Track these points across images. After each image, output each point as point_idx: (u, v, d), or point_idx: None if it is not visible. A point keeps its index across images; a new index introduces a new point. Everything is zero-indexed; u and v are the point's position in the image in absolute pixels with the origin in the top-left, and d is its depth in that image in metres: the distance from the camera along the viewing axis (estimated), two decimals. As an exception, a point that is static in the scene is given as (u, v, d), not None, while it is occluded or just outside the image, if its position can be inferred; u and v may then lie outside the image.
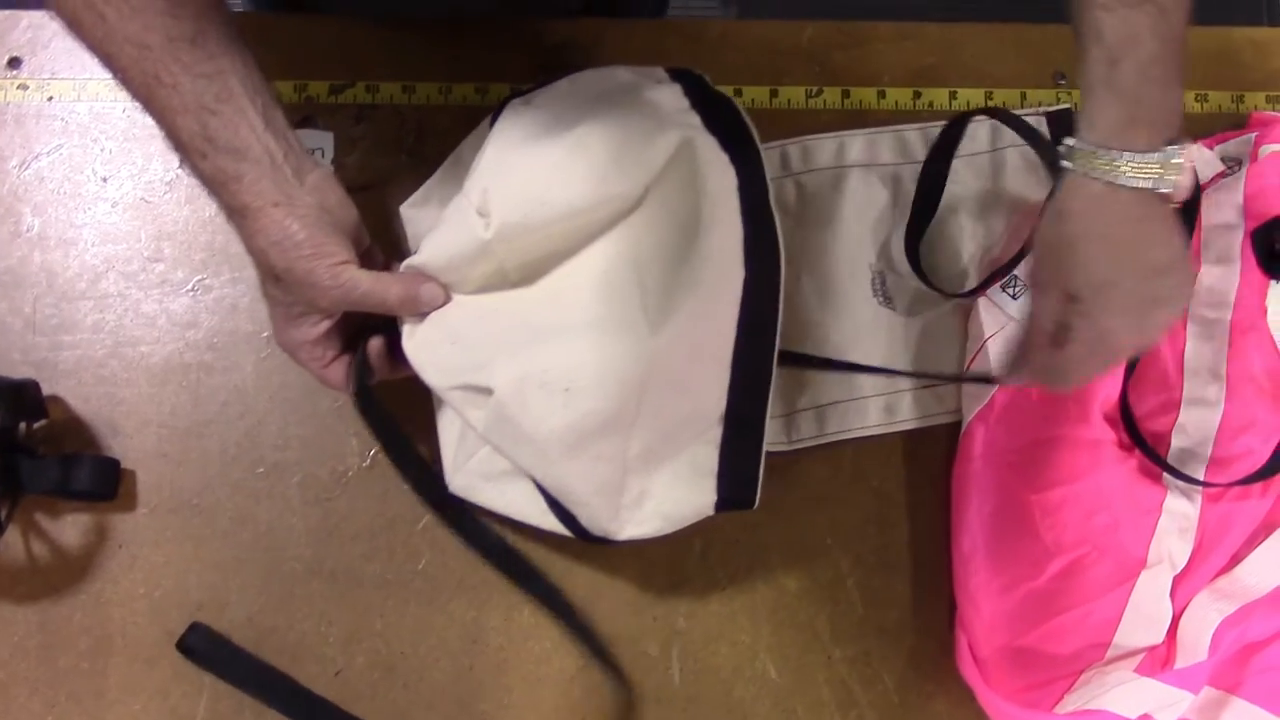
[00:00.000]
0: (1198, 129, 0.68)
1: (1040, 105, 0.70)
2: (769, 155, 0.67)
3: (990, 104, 0.70)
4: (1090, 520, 0.58)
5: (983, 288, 0.63)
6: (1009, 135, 0.67)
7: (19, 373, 0.62)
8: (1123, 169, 0.47)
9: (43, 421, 0.61)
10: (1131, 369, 0.61)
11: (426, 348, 0.54)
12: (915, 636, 0.60)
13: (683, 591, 0.61)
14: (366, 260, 0.55)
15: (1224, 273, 0.62)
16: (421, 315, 0.54)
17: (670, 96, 0.55)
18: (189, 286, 0.65)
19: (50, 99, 0.67)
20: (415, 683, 0.59)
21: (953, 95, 0.70)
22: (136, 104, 0.48)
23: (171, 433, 0.62)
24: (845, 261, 0.65)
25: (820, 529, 0.62)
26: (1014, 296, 0.62)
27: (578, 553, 0.55)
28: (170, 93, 0.47)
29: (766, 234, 0.51)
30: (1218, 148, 0.66)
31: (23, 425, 0.60)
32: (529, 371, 0.51)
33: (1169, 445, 0.60)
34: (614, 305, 0.51)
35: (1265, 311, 0.61)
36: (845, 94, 0.70)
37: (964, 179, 0.67)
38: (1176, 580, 0.58)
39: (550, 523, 0.54)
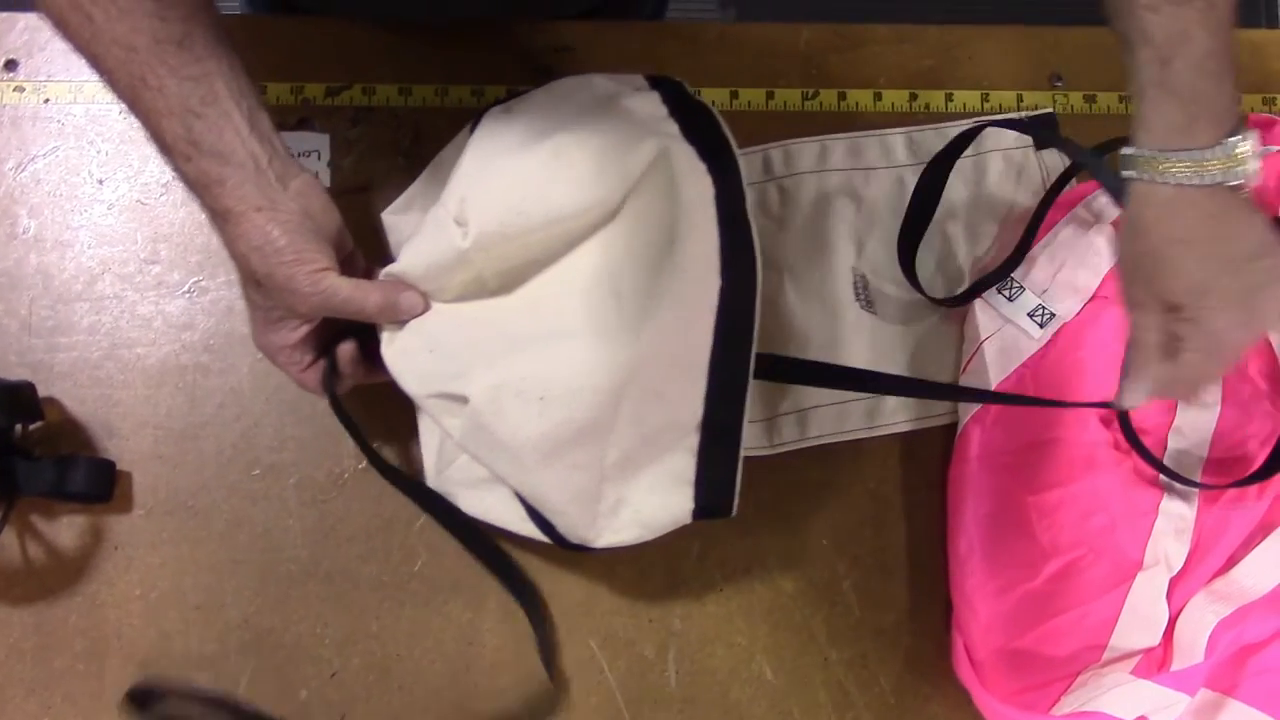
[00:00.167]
0: (1194, 131, 0.68)
1: (1037, 108, 0.70)
2: (751, 159, 0.67)
3: (987, 107, 0.70)
4: (1086, 522, 0.58)
5: (973, 292, 0.63)
6: (992, 140, 0.68)
7: (15, 374, 0.62)
8: (1189, 169, 0.46)
9: (38, 423, 0.61)
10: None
11: (405, 355, 0.54)
12: (912, 638, 0.60)
13: (679, 593, 0.61)
14: (349, 265, 0.55)
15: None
16: (401, 323, 0.54)
17: (648, 104, 0.55)
18: (185, 288, 0.65)
19: (46, 101, 0.67)
20: (411, 684, 0.59)
21: (949, 98, 0.70)
22: (122, 105, 0.48)
23: (167, 434, 0.62)
24: (827, 266, 0.65)
25: (817, 531, 0.62)
26: (1010, 299, 0.62)
27: (573, 555, 0.55)
28: (156, 95, 0.47)
29: (743, 243, 0.51)
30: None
31: (18, 427, 0.60)
32: (504, 380, 0.51)
33: (1165, 447, 0.60)
34: (590, 314, 0.51)
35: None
36: (841, 96, 0.70)
37: (948, 182, 0.67)
38: (1173, 582, 0.58)
39: (529, 529, 0.55)
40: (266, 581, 0.60)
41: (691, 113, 0.55)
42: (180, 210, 0.65)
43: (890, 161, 0.68)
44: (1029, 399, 0.59)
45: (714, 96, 0.69)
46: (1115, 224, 0.63)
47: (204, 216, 0.50)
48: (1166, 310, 0.49)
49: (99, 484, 0.59)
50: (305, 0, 0.72)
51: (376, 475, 0.61)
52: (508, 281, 0.54)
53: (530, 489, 0.52)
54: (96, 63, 0.48)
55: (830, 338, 0.64)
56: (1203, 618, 0.56)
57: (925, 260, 0.66)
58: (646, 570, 0.61)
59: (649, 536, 0.53)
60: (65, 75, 0.68)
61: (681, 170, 0.51)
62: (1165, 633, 0.57)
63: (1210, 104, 0.47)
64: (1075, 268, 0.62)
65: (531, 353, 0.51)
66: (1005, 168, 0.67)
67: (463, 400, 0.51)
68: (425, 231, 0.54)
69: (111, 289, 0.64)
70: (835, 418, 0.63)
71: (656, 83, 0.57)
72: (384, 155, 0.67)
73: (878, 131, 0.68)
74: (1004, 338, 0.61)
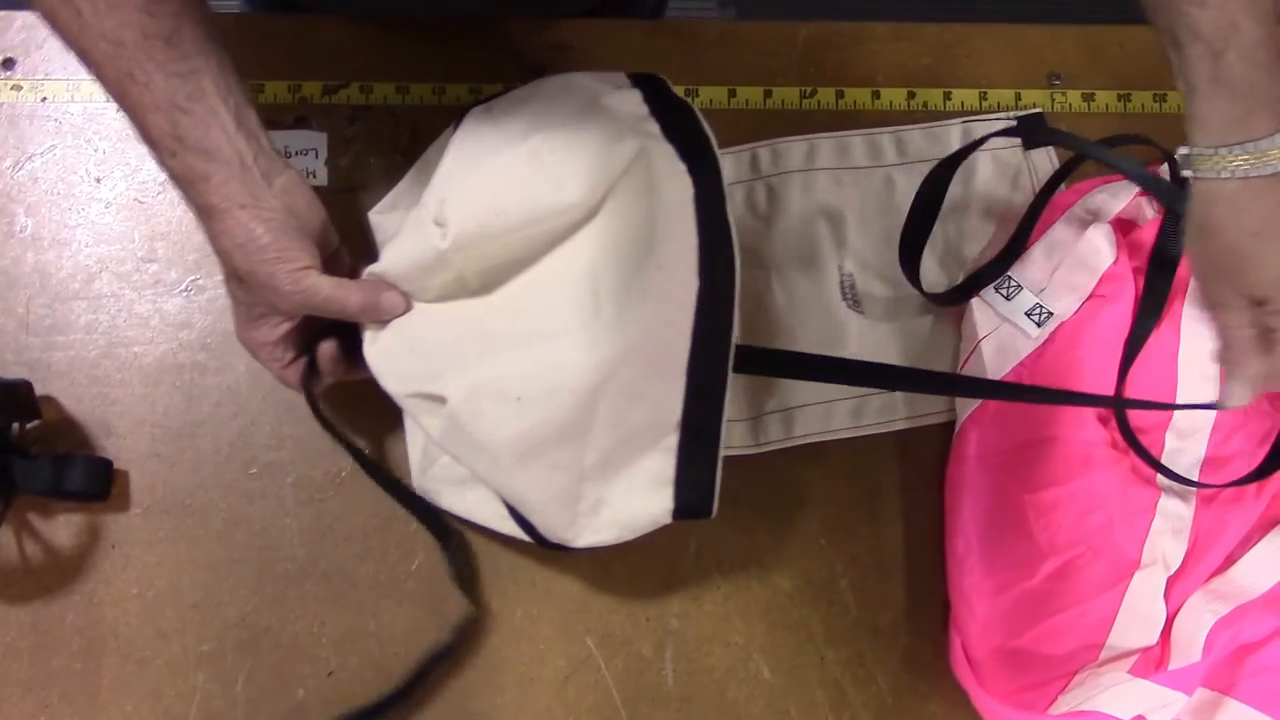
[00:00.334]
0: (1192, 130, 0.68)
1: (1035, 106, 0.70)
2: (739, 158, 0.67)
3: (985, 105, 0.70)
4: (1084, 521, 0.58)
5: (962, 291, 0.63)
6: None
7: (12, 373, 0.62)
8: (1250, 161, 0.46)
9: (36, 422, 0.61)
10: (1125, 370, 0.61)
11: (386, 355, 0.54)
12: (909, 638, 0.60)
13: (676, 592, 0.61)
14: (334, 262, 0.55)
15: (1219, 273, 0.62)
16: (383, 322, 0.54)
17: (629, 104, 0.55)
18: (182, 287, 0.65)
19: (44, 100, 0.67)
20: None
21: (947, 96, 0.70)
22: (109, 99, 0.48)
23: (165, 433, 0.62)
24: (813, 265, 0.65)
25: (814, 530, 0.62)
26: (1008, 298, 0.62)
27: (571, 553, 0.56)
28: (143, 90, 0.48)
29: (721, 244, 0.51)
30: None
31: (16, 426, 0.60)
32: (482, 381, 0.51)
33: (1163, 446, 0.60)
34: (567, 315, 0.51)
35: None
36: (840, 95, 0.70)
37: None
38: (1170, 581, 0.58)
39: (511, 528, 0.55)
40: (264, 580, 0.60)
41: (673, 112, 0.55)
42: (178, 209, 0.65)
43: (878, 161, 0.68)
44: (1024, 388, 0.59)
45: (712, 95, 0.69)
46: (1113, 222, 0.63)
47: (200, 214, 0.50)
48: (1254, 305, 0.49)
49: (96, 483, 0.59)
50: (303, -2, 0.73)
51: (374, 474, 0.61)
52: (488, 281, 0.54)
53: (508, 489, 0.52)
54: (85, 57, 0.48)
55: (817, 337, 0.64)
56: (1200, 617, 0.56)
57: (925, 261, 0.65)
58: (644, 569, 0.61)
59: (629, 536, 0.53)
60: (63, 74, 0.68)
61: (661, 171, 0.51)
62: (1163, 632, 0.57)
63: (1264, 94, 0.46)
64: (1073, 266, 0.62)
65: (509, 353, 0.51)
66: (993, 167, 0.68)
67: (441, 400, 0.51)
68: (406, 232, 0.54)
69: (109, 287, 0.64)
70: (821, 417, 0.62)
71: (639, 81, 0.57)
72: (381, 154, 0.67)
73: (865, 131, 0.68)
74: (1001, 336, 0.61)
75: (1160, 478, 0.60)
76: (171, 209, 0.66)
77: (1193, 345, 0.61)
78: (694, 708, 0.59)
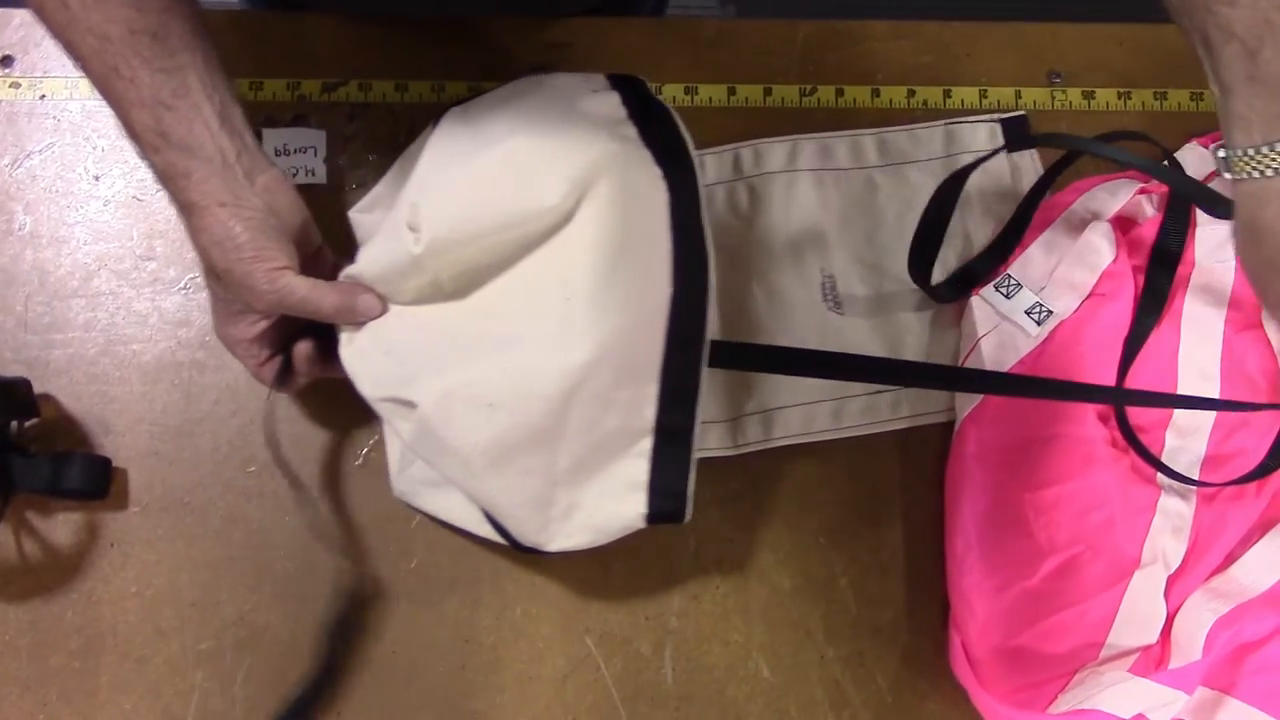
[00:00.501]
0: (1193, 127, 0.68)
1: (1036, 105, 0.70)
2: (722, 158, 0.67)
3: (985, 103, 0.70)
4: (1084, 519, 0.58)
5: (957, 286, 0.63)
6: (962, 141, 0.68)
7: (10, 371, 0.61)
8: None
9: (34, 420, 0.61)
10: (1125, 368, 0.61)
11: (361, 357, 0.54)
12: (909, 636, 0.60)
13: (675, 591, 0.61)
14: (315, 260, 0.55)
15: (1219, 271, 0.62)
16: (359, 324, 0.54)
17: (607, 106, 0.55)
18: (181, 284, 0.65)
19: (42, 97, 0.67)
20: (407, 682, 0.59)
21: (947, 94, 0.70)
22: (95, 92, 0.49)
23: (163, 431, 0.62)
24: (794, 266, 0.65)
25: (814, 528, 0.62)
26: (1007, 296, 0.62)
27: (571, 552, 0.55)
28: (128, 85, 0.48)
29: (696, 249, 0.50)
30: (1213, 146, 0.65)
31: (14, 424, 0.60)
32: (453, 386, 0.50)
33: (1163, 444, 0.60)
34: (540, 321, 0.51)
35: (1260, 310, 0.61)
36: (839, 93, 0.70)
37: (917, 184, 0.67)
38: (1171, 580, 0.58)
39: (488, 531, 0.55)
40: (262, 579, 0.60)
41: (651, 115, 0.54)
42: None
43: (860, 162, 0.68)
44: (1016, 378, 0.59)
45: (712, 93, 0.69)
46: (1112, 221, 0.62)
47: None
48: None
49: (95, 481, 0.59)
50: (302, -4, 0.72)
51: (373, 472, 0.61)
52: (463, 285, 0.53)
53: (480, 494, 0.52)
54: (71, 50, 0.48)
55: (798, 338, 0.63)
56: (1200, 615, 0.56)
57: (898, 259, 0.65)
58: (643, 568, 0.61)
59: (603, 541, 0.53)
60: (61, 71, 0.68)
61: (636, 175, 0.51)
62: (1163, 630, 0.57)
63: None
64: (1072, 265, 0.61)
65: (482, 359, 0.51)
66: (977, 169, 0.67)
67: (413, 405, 0.51)
68: (381, 235, 0.54)
69: (107, 285, 0.64)
70: (801, 419, 0.62)
71: (618, 83, 0.57)
72: (380, 152, 0.67)
73: (847, 132, 0.68)
74: (1001, 335, 0.61)
75: (1160, 476, 0.60)
76: (170, 207, 0.64)
77: (1193, 343, 0.61)
78: (693, 706, 0.59)
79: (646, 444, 0.51)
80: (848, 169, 0.68)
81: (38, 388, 0.61)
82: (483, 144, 0.53)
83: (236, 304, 0.53)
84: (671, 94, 0.69)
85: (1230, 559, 0.59)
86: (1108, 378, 0.60)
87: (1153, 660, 0.56)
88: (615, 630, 0.60)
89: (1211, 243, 0.62)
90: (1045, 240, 0.63)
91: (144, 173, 0.65)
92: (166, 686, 0.58)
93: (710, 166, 0.67)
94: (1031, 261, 0.63)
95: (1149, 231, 0.63)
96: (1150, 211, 0.64)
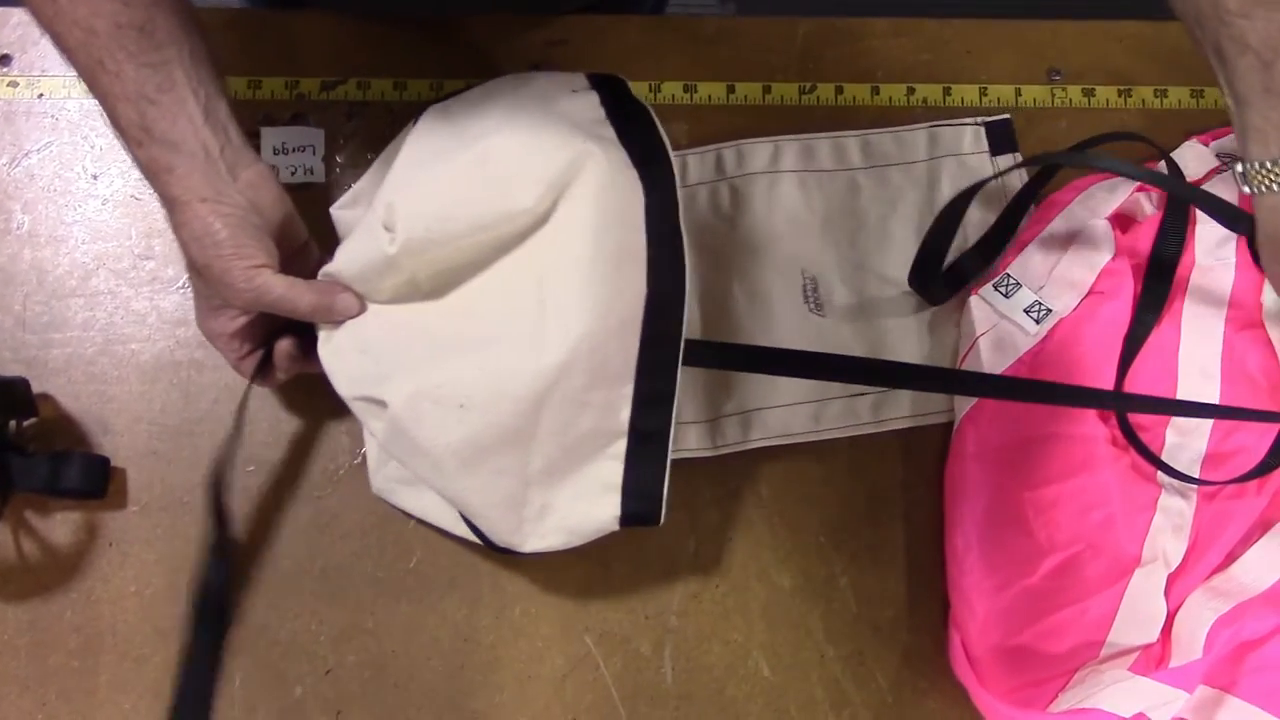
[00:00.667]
0: (1193, 125, 0.68)
1: (1036, 102, 0.70)
2: (705, 158, 0.67)
3: (985, 101, 0.70)
4: (1084, 518, 0.58)
5: (942, 293, 0.63)
6: (946, 144, 0.68)
7: (9, 370, 0.61)
8: None
9: (33, 419, 0.61)
10: (1125, 366, 0.60)
11: (338, 355, 0.54)
12: (909, 635, 0.60)
13: (675, 590, 0.60)
14: (301, 256, 0.55)
15: (1219, 269, 0.62)
16: (337, 322, 0.54)
17: (585, 107, 0.54)
18: (179, 284, 0.64)
19: (40, 96, 0.67)
20: (406, 681, 0.59)
21: (947, 91, 0.70)
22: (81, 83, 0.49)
23: (162, 430, 0.62)
24: (776, 267, 0.65)
25: (814, 527, 0.62)
26: (1006, 295, 0.61)
27: (570, 550, 0.55)
28: (113, 79, 0.48)
29: (672, 251, 0.50)
30: (1213, 144, 0.66)
31: (12, 423, 0.60)
32: (425, 386, 0.50)
33: (1163, 442, 0.60)
34: (514, 322, 0.51)
35: (1261, 309, 0.61)
36: (839, 90, 0.69)
37: (900, 186, 0.67)
38: (1171, 578, 0.58)
39: (464, 530, 0.55)
40: (260, 578, 0.60)
41: (630, 115, 0.54)
42: (175, 205, 0.65)
43: (843, 164, 0.68)
44: (998, 379, 0.59)
45: (711, 91, 0.69)
46: (1111, 218, 0.62)
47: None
48: None
49: (93, 480, 0.59)
50: (301, -6, 0.72)
51: (371, 471, 0.61)
52: (441, 284, 0.53)
53: (452, 494, 0.52)
54: (58, 42, 0.48)
55: (778, 340, 0.63)
56: (1201, 614, 0.56)
57: (880, 261, 0.65)
58: (643, 566, 0.60)
59: (577, 542, 0.53)
60: (59, 70, 0.68)
61: (613, 176, 0.51)
62: (1163, 629, 0.57)
63: None
64: (1071, 263, 0.61)
65: (455, 359, 0.51)
66: (959, 171, 0.67)
67: (383, 404, 0.51)
68: (357, 233, 0.54)
69: (106, 284, 0.64)
70: (780, 420, 0.62)
71: (598, 83, 0.56)
72: (379, 150, 0.66)
73: (831, 134, 0.68)
74: (999, 333, 0.61)
75: (1161, 474, 0.60)
76: (168, 206, 0.65)
77: (1193, 342, 0.61)
78: (693, 706, 0.59)
79: (621, 446, 0.51)
80: (831, 170, 0.67)
81: (36, 387, 0.61)
82: (460, 143, 0.52)
83: (216, 299, 0.53)
84: (670, 92, 0.69)
85: (1231, 557, 0.59)
86: (1107, 376, 0.60)
87: (1153, 659, 0.56)
88: (615, 629, 0.60)
89: (1211, 241, 0.62)
90: (1044, 238, 0.63)
91: (142, 171, 0.66)
92: (166, 686, 0.58)
93: (693, 167, 0.67)
94: (1030, 260, 0.63)
95: (1148, 229, 0.63)
96: (1149, 209, 0.64)
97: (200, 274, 0.52)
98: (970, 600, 0.57)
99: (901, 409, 0.63)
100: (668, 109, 0.69)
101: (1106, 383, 0.60)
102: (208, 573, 0.56)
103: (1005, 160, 0.68)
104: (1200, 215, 0.62)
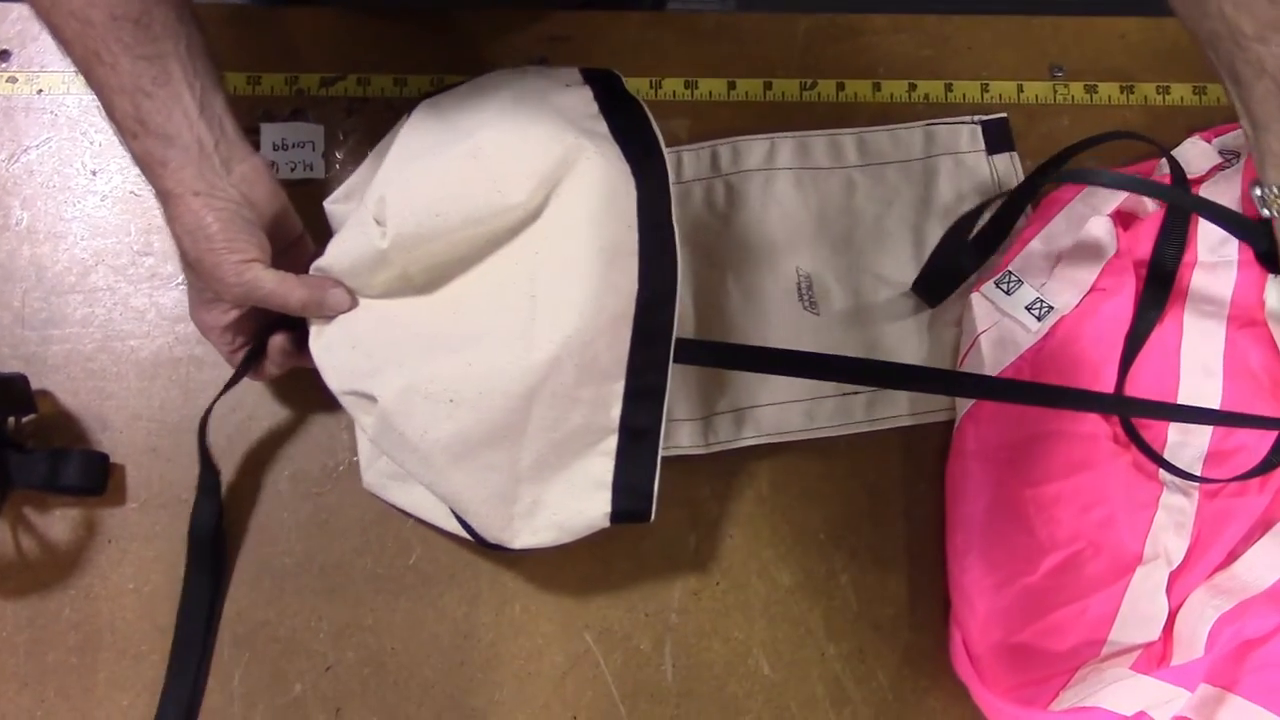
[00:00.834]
0: (1195, 122, 0.68)
1: (1038, 99, 0.69)
2: (700, 155, 0.67)
3: (987, 97, 0.69)
4: (1085, 516, 0.57)
5: (938, 293, 0.63)
6: (942, 142, 0.68)
7: (8, 367, 0.61)
8: None
9: (31, 416, 0.61)
10: (1127, 364, 0.60)
11: (329, 350, 0.54)
12: (910, 633, 0.60)
13: (676, 587, 0.60)
14: (296, 250, 0.55)
15: (1221, 267, 0.62)
16: (328, 317, 0.54)
17: (578, 101, 0.54)
18: (179, 280, 0.64)
19: (39, 92, 0.67)
20: (406, 678, 0.59)
21: (948, 87, 0.69)
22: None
23: (161, 427, 0.62)
24: (770, 265, 0.65)
25: (814, 525, 0.61)
26: (1008, 292, 0.61)
27: (570, 547, 0.55)
28: (109, 71, 0.48)
29: (663, 247, 0.50)
30: (1216, 140, 0.66)
31: (11, 420, 0.60)
32: (413, 382, 0.50)
33: (1165, 440, 0.60)
34: (504, 318, 0.50)
35: (1263, 306, 0.61)
36: (840, 87, 0.69)
37: (896, 185, 0.67)
38: (1173, 576, 0.58)
39: (454, 526, 0.54)
40: (260, 575, 0.60)
41: (622, 111, 0.54)
42: (174, 202, 0.65)
43: (839, 162, 0.67)
44: (987, 380, 0.59)
45: (712, 87, 0.69)
46: (1113, 215, 0.62)
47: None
48: None
49: (92, 477, 0.59)
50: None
51: (371, 468, 0.61)
52: (433, 279, 0.53)
53: (442, 489, 0.52)
54: (55, 33, 0.48)
55: (772, 337, 0.63)
56: (1203, 612, 0.56)
57: (875, 260, 0.65)
58: (643, 564, 0.60)
59: (567, 539, 0.53)
60: (58, 66, 0.67)
61: (605, 172, 0.51)
62: (1165, 627, 0.57)
63: None
64: (1073, 260, 0.61)
65: (446, 355, 0.51)
66: (956, 170, 0.67)
67: (373, 399, 0.51)
68: (349, 228, 0.54)
69: (105, 281, 0.64)
70: (773, 418, 0.62)
71: (591, 77, 0.56)
72: (379, 146, 0.67)
73: (827, 131, 0.68)
74: (1001, 331, 0.61)
75: (1162, 472, 0.59)
76: (168, 202, 0.65)
77: (1195, 339, 0.61)
78: (693, 703, 0.59)
79: (611, 442, 0.51)
80: (827, 168, 0.67)
81: (35, 384, 0.61)
82: (451, 139, 0.52)
83: (208, 293, 0.53)
84: (671, 88, 0.69)
85: (1232, 556, 0.59)
86: (1109, 373, 0.60)
87: (1155, 657, 0.56)
88: (615, 626, 0.60)
89: (1213, 239, 0.62)
90: (1046, 235, 0.63)
91: (141, 167, 0.65)
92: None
93: (688, 163, 0.67)
94: (1032, 257, 0.62)
95: (1150, 227, 0.63)
96: (1151, 206, 0.64)
97: (192, 267, 0.52)
98: (971, 598, 0.57)
99: (898, 408, 0.63)
100: (668, 105, 0.69)
101: (1108, 380, 0.60)
102: (200, 514, 0.58)
103: (1002, 159, 0.67)
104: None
